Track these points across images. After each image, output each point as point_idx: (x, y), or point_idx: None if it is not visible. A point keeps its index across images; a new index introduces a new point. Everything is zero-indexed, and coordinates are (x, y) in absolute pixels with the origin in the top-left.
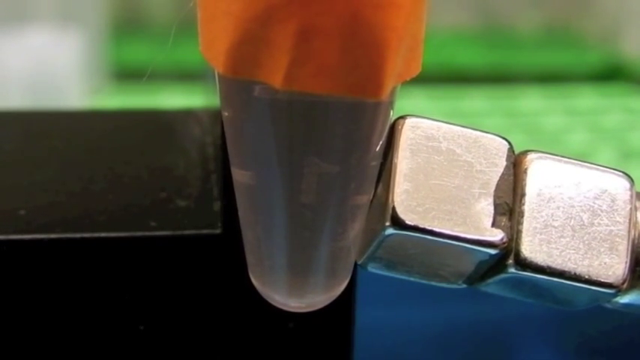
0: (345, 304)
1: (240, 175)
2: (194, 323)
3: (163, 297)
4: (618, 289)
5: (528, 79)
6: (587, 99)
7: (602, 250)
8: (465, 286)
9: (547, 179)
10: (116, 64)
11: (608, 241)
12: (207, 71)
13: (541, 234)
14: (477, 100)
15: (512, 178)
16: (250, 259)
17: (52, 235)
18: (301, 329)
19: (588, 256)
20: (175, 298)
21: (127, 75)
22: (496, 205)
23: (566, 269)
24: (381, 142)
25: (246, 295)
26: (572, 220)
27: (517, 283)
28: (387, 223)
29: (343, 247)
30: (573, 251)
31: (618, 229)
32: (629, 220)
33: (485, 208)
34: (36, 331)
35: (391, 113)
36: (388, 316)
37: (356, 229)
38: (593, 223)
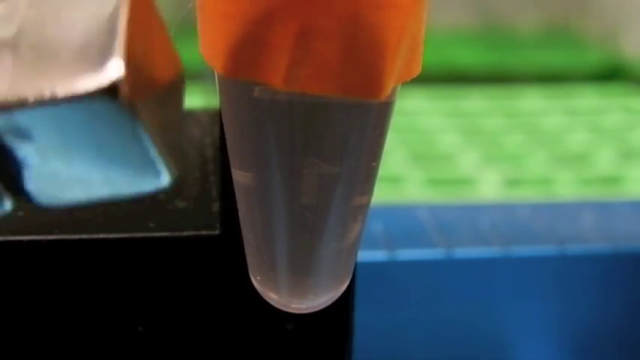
0: (343, 305)
1: (240, 177)
2: (192, 324)
3: (162, 298)
4: None
5: (528, 79)
6: (587, 99)
7: None
8: None
9: None
10: None
11: None
12: (206, 72)
13: None
14: (477, 100)
15: None
16: (251, 260)
17: (51, 237)
18: (300, 330)
19: None
20: (174, 299)
21: None
22: None
23: None
24: (381, 143)
25: (244, 296)
26: None
27: None
28: None
29: (344, 247)
30: None
31: None
32: None
33: None
34: (35, 331)
35: (392, 114)
36: (387, 316)
37: (357, 229)
38: None
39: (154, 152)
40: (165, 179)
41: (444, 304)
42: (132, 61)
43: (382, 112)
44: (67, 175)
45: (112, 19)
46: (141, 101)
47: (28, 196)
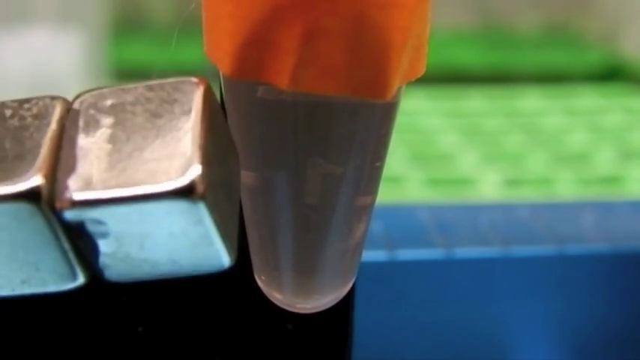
0: (343, 305)
1: (244, 176)
2: (193, 324)
3: (162, 298)
4: None
5: (528, 79)
6: (587, 99)
7: None
8: None
9: None
10: (116, 64)
11: None
12: (209, 72)
13: None
14: (477, 100)
15: None
16: (256, 259)
17: None
18: (300, 330)
19: None
20: (174, 299)
21: (127, 75)
22: None
23: None
24: (385, 143)
25: (245, 296)
26: None
27: None
28: None
29: (348, 247)
30: None
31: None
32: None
33: None
34: (35, 332)
35: (396, 114)
36: (387, 316)
37: (361, 229)
38: None
39: (217, 238)
40: (225, 261)
41: (444, 304)
42: (205, 164)
43: (387, 112)
44: (138, 257)
45: (187, 125)
46: (211, 195)
47: (100, 272)
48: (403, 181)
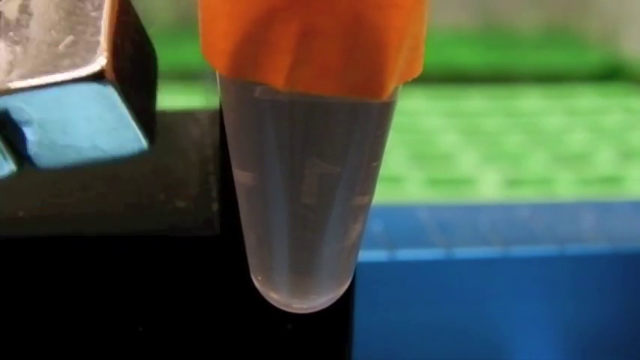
0: (343, 304)
1: (241, 176)
2: (192, 324)
3: (162, 298)
4: None
5: (528, 79)
6: (587, 99)
7: None
8: None
9: None
10: None
11: None
12: (207, 71)
13: None
14: (477, 100)
15: None
16: (252, 259)
17: (49, 234)
18: (300, 330)
19: None
20: (174, 299)
21: None
22: None
23: None
24: (382, 143)
25: (244, 297)
26: None
27: None
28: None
29: (345, 247)
30: None
31: None
32: None
33: None
34: (35, 330)
35: (393, 114)
36: (387, 316)
37: (357, 229)
38: None
39: (132, 122)
40: (143, 144)
41: (444, 304)
42: (114, 53)
43: (384, 112)
44: (62, 143)
45: (98, 21)
46: (122, 81)
47: (30, 159)
48: (403, 181)
